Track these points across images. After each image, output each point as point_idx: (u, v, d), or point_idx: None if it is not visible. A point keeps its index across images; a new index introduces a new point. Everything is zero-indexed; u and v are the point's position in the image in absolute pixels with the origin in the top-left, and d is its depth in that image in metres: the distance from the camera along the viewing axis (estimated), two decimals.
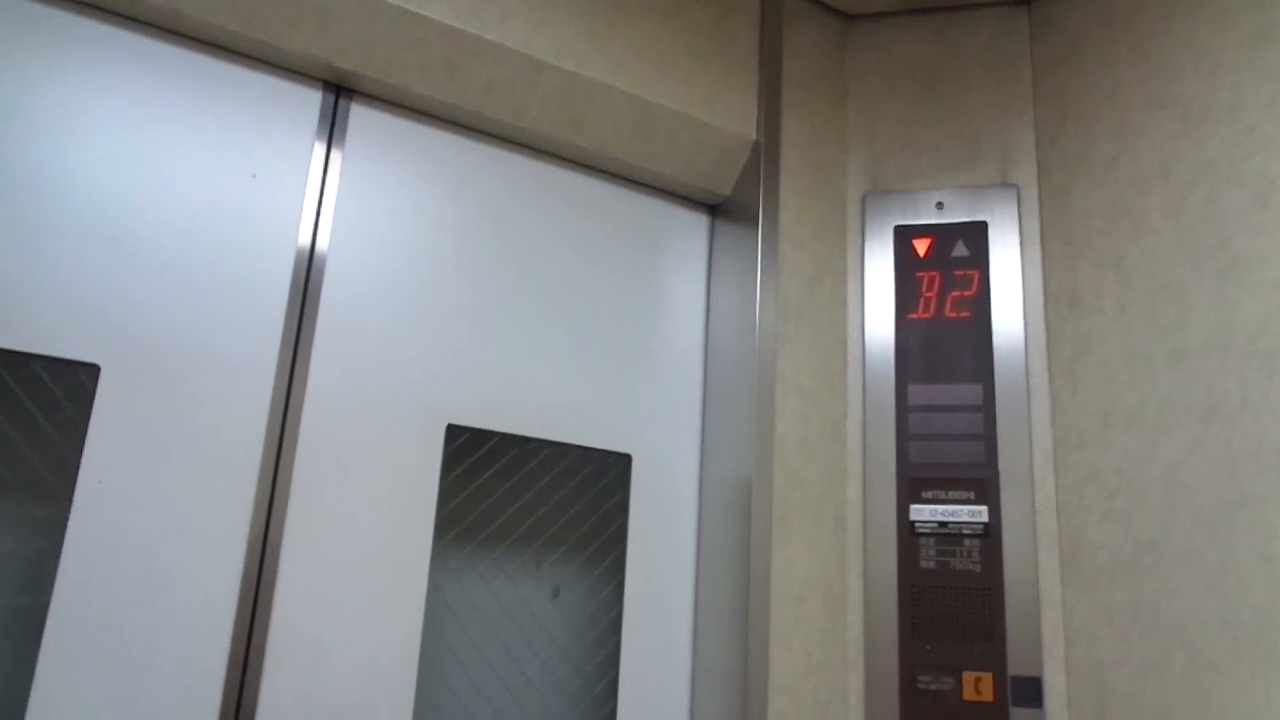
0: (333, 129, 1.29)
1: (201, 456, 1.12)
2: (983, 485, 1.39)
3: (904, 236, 1.51)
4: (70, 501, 1.05)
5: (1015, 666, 1.32)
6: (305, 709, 1.13)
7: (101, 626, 1.04)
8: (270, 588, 1.13)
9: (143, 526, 1.08)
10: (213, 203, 1.19)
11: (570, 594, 1.40)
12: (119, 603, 1.05)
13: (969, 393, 1.43)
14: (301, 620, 1.15)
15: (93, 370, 1.08)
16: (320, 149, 1.28)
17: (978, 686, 1.33)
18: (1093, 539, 1.32)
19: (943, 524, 1.39)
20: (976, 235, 1.48)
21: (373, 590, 1.20)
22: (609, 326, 1.46)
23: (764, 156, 1.49)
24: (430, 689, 1.27)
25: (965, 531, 1.38)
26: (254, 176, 1.22)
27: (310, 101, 1.28)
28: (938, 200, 1.51)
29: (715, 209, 1.61)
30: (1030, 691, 1.31)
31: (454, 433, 1.31)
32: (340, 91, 1.31)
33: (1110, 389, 1.34)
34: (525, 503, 1.38)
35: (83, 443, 1.06)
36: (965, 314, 1.46)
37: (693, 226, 1.59)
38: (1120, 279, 1.35)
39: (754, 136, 1.49)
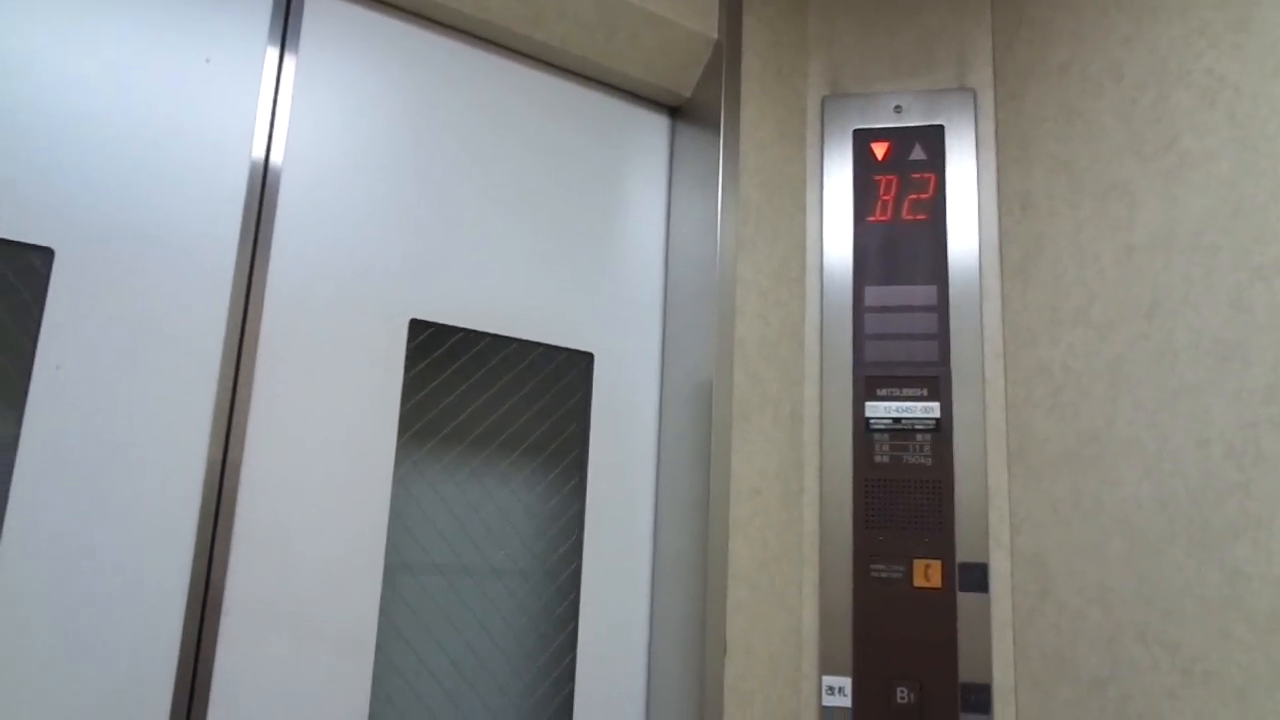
0: (287, 16, 1.25)
1: (162, 348, 1.11)
2: (935, 383, 1.44)
3: (862, 140, 1.53)
4: (27, 386, 1.03)
5: (963, 554, 1.38)
6: (274, 599, 1.14)
7: (63, 513, 1.03)
8: (235, 478, 1.13)
9: (103, 414, 1.06)
10: (167, 87, 1.15)
11: (534, 489, 1.42)
12: (80, 489, 1.04)
13: (924, 294, 1.46)
14: (268, 512, 1.15)
15: (46, 254, 1.06)
16: (275, 34, 1.24)
17: (927, 573, 1.38)
18: (1039, 432, 1.37)
19: (896, 420, 1.43)
20: (933, 139, 1.50)
21: (339, 483, 1.20)
22: (571, 226, 1.46)
23: (725, 57, 1.48)
24: (397, 579, 1.28)
25: (918, 427, 1.43)
26: (208, 61, 1.18)
27: None
28: (896, 104, 1.53)
29: (676, 110, 1.61)
30: (977, 577, 1.37)
31: (417, 328, 1.30)
32: None
33: (1060, 287, 1.38)
34: (489, 399, 1.39)
35: (38, 327, 1.04)
36: (922, 216, 1.48)
37: (653, 128, 1.58)
38: (1071, 180, 1.38)
39: (715, 36, 1.48)
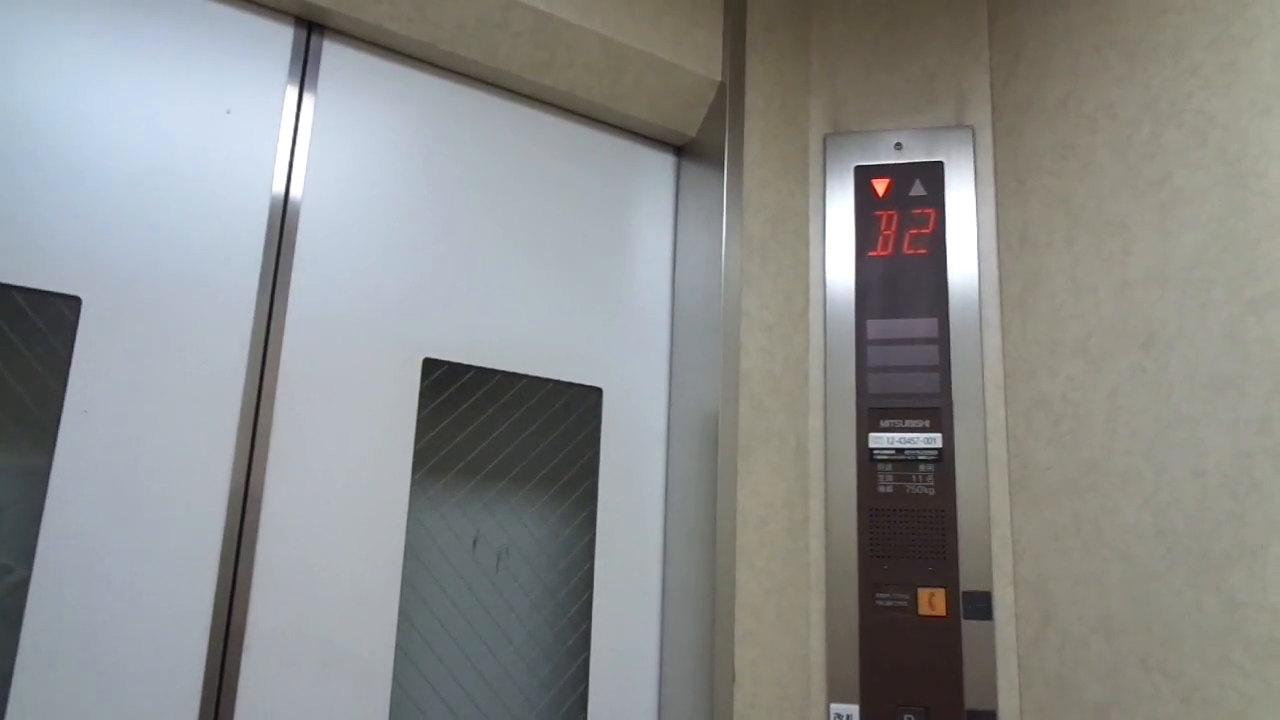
0: (305, 66, 1.30)
1: (185, 388, 1.15)
2: (937, 414, 1.46)
3: (864, 176, 1.56)
4: (56, 430, 1.07)
5: (967, 582, 1.40)
6: (294, 629, 1.17)
7: (92, 549, 1.07)
8: (256, 514, 1.17)
9: (129, 455, 1.10)
10: (189, 138, 1.20)
11: (545, 522, 1.45)
12: (108, 525, 1.08)
13: (925, 326, 1.49)
14: (288, 543, 1.19)
15: (74, 302, 1.10)
16: (294, 85, 1.29)
17: (931, 601, 1.41)
18: (1040, 462, 1.40)
19: (899, 451, 1.46)
20: (933, 175, 1.54)
21: (356, 518, 1.24)
22: (580, 264, 1.50)
23: (729, 98, 1.52)
24: (413, 612, 1.31)
25: (921, 458, 1.45)
26: (228, 112, 1.23)
27: (282, 38, 1.29)
28: (897, 141, 1.56)
29: (681, 150, 1.65)
30: (980, 605, 1.40)
31: (431, 366, 1.34)
32: (312, 28, 1.32)
33: (1058, 320, 1.41)
34: (501, 434, 1.42)
35: (67, 373, 1.09)
36: (922, 251, 1.52)
37: (660, 167, 1.63)
38: (1068, 214, 1.42)
39: (719, 78, 1.53)
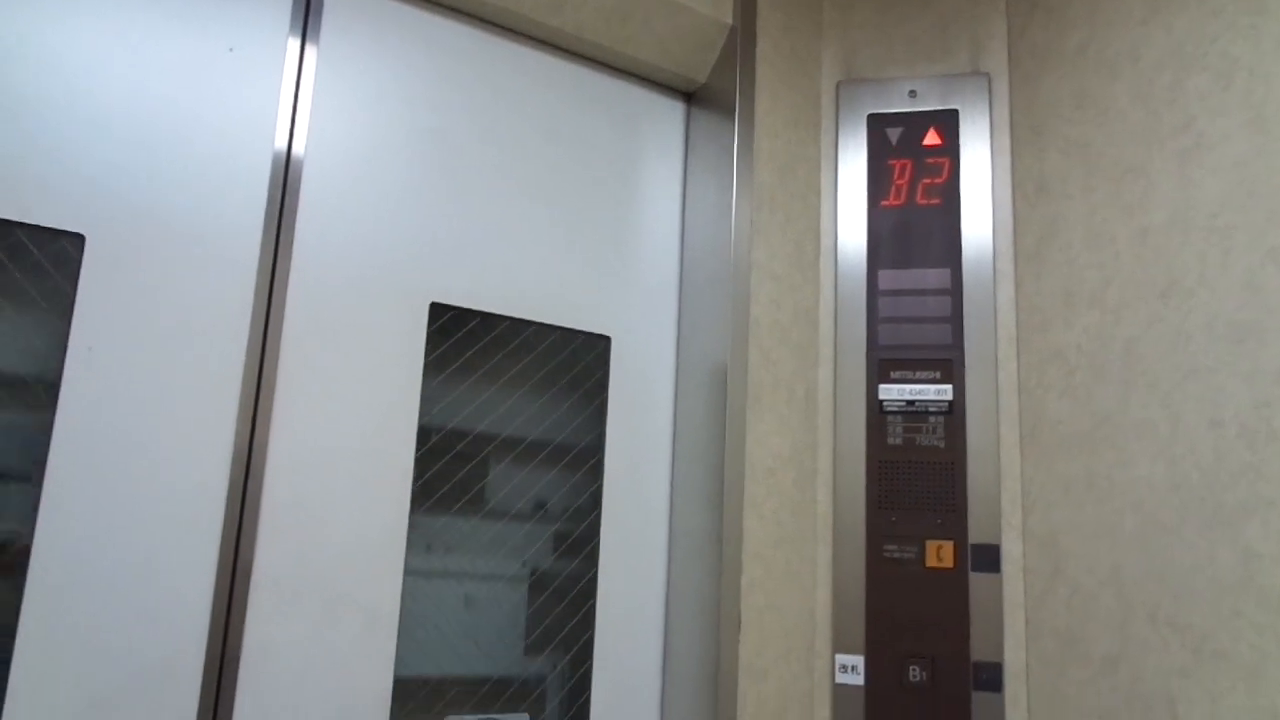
0: (308, 4, 1.28)
1: (190, 329, 1.14)
2: (949, 365, 1.45)
3: (877, 124, 1.54)
4: (61, 367, 1.06)
5: (975, 535, 1.39)
6: (300, 576, 1.17)
7: (96, 488, 1.06)
8: (262, 457, 1.16)
9: (135, 394, 1.09)
10: (191, 77, 1.18)
11: (552, 469, 1.44)
12: (113, 466, 1.07)
13: (937, 277, 1.47)
14: (294, 490, 1.18)
15: (78, 240, 1.09)
16: (297, 23, 1.26)
17: (939, 554, 1.40)
18: (1052, 414, 1.38)
19: (910, 403, 1.45)
20: (948, 123, 1.51)
21: (363, 462, 1.23)
22: (589, 211, 1.48)
23: (740, 43, 1.49)
24: (417, 556, 1.31)
25: (931, 409, 1.44)
26: (231, 50, 1.21)
27: None
28: (910, 89, 1.53)
29: (691, 96, 1.62)
30: (989, 557, 1.39)
31: (437, 311, 1.33)
32: None
33: (1074, 270, 1.38)
34: (508, 380, 1.41)
35: (71, 310, 1.07)
36: (935, 201, 1.49)
37: (669, 113, 1.60)
38: (1086, 163, 1.39)
39: (730, 21, 1.49)
